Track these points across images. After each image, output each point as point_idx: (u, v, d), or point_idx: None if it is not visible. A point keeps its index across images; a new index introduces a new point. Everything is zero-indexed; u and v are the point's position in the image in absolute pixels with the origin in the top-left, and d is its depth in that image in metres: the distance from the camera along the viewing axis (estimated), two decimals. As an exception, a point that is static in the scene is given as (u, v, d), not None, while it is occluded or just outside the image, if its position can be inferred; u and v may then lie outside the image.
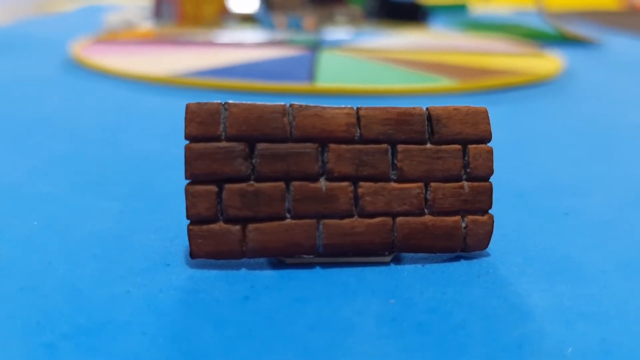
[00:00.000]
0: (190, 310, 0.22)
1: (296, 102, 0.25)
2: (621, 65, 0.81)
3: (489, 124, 0.27)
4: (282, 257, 0.25)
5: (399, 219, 0.26)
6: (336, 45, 0.86)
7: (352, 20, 1.20)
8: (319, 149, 0.25)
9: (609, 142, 0.45)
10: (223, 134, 0.25)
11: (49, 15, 1.21)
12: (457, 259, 0.27)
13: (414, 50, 0.83)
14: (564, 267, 0.26)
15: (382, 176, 0.26)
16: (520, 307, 0.23)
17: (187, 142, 0.31)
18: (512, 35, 1.03)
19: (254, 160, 0.25)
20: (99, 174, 0.35)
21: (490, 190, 0.26)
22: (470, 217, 0.26)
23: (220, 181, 0.25)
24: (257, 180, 0.25)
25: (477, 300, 0.23)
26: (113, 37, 0.86)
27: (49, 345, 0.19)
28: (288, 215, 0.25)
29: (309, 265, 0.26)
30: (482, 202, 0.26)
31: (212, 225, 0.25)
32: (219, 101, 0.25)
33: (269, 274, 0.25)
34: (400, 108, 0.26)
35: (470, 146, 0.26)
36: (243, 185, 0.25)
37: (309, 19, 1.07)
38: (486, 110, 0.27)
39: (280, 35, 0.95)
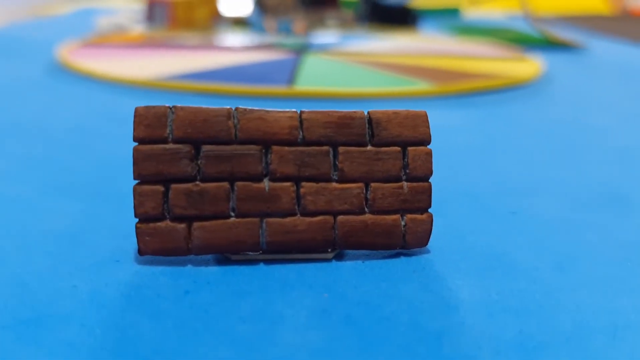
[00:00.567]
0: (132, 303, 0.23)
1: (241, 106, 0.27)
2: (602, 69, 0.82)
3: (428, 127, 0.28)
4: (227, 254, 0.27)
5: (340, 218, 0.27)
6: (322, 49, 0.87)
7: (343, 24, 1.21)
8: (263, 150, 0.26)
9: (571, 145, 0.46)
10: (170, 136, 0.26)
11: (43, 18, 1.23)
12: (397, 255, 0.28)
13: (397, 54, 0.84)
14: (498, 264, 0.27)
15: (324, 177, 0.27)
16: (448, 300, 0.24)
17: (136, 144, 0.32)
18: (499, 40, 1.04)
19: (199, 162, 0.26)
20: (65, 176, 0.36)
21: (429, 190, 0.28)
22: (410, 215, 0.27)
23: (167, 181, 0.26)
24: (203, 180, 0.26)
25: (408, 294, 0.24)
26: (102, 41, 0.87)
27: (-9, 335, 0.21)
28: (232, 214, 0.26)
29: (254, 262, 0.27)
30: (421, 202, 0.28)
31: (159, 224, 0.26)
32: (167, 105, 0.26)
33: (213, 270, 0.26)
34: (341, 112, 0.27)
35: (409, 148, 0.27)
36: (189, 185, 0.26)
37: (298, 23, 1.08)
38: (426, 114, 0.28)
39: (269, 38, 0.97)
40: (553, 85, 0.69)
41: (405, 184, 0.27)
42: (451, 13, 1.49)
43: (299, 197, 0.27)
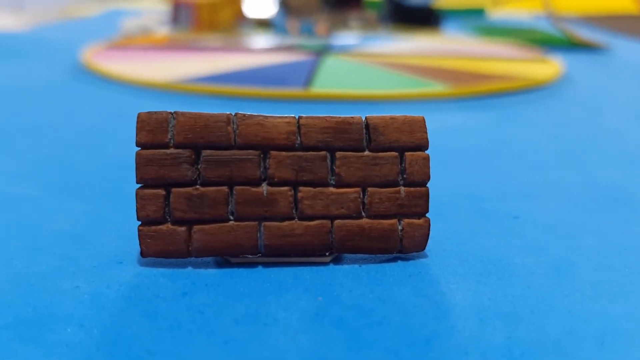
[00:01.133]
0: (130, 304, 0.24)
1: (243, 111, 0.27)
2: (623, 71, 0.81)
3: (426, 132, 0.28)
4: (227, 256, 0.27)
5: (337, 222, 0.27)
6: (343, 50, 0.87)
7: (367, 25, 1.21)
8: (261, 155, 0.27)
9: (582, 147, 0.46)
10: (171, 141, 0.27)
11: (71, 20, 1.25)
12: (394, 259, 0.28)
13: (418, 55, 0.84)
14: (495, 269, 0.27)
15: (321, 181, 0.27)
16: (440, 305, 0.24)
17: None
18: (522, 40, 1.04)
19: (199, 166, 0.27)
20: (75, 177, 0.37)
21: (426, 195, 0.28)
22: (407, 220, 0.28)
23: (168, 185, 0.27)
24: (202, 184, 0.27)
25: (401, 298, 0.25)
26: (126, 43, 0.88)
27: (-7, 334, 0.22)
28: (231, 218, 0.27)
29: (253, 265, 0.27)
30: (418, 206, 0.28)
31: (160, 227, 0.27)
32: (169, 110, 0.27)
33: (211, 273, 0.27)
34: (339, 117, 0.27)
35: (407, 153, 0.28)
36: (189, 189, 0.27)
37: (321, 24, 1.09)
38: (423, 119, 0.28)
39: (291, 40, 0.97)
40: (572, 87, 0.68)
41: (402, 188, 0.28)
42: (476, 13, 1.48)
43: (296, 202, 0.27)
